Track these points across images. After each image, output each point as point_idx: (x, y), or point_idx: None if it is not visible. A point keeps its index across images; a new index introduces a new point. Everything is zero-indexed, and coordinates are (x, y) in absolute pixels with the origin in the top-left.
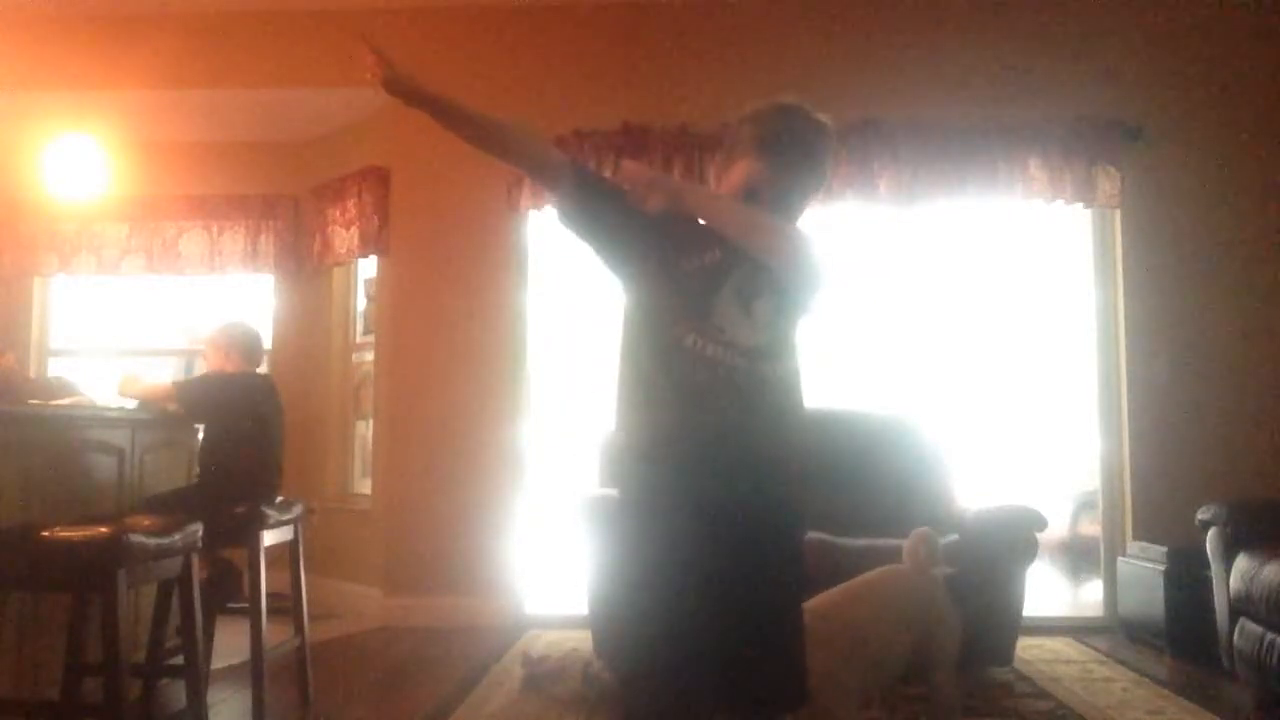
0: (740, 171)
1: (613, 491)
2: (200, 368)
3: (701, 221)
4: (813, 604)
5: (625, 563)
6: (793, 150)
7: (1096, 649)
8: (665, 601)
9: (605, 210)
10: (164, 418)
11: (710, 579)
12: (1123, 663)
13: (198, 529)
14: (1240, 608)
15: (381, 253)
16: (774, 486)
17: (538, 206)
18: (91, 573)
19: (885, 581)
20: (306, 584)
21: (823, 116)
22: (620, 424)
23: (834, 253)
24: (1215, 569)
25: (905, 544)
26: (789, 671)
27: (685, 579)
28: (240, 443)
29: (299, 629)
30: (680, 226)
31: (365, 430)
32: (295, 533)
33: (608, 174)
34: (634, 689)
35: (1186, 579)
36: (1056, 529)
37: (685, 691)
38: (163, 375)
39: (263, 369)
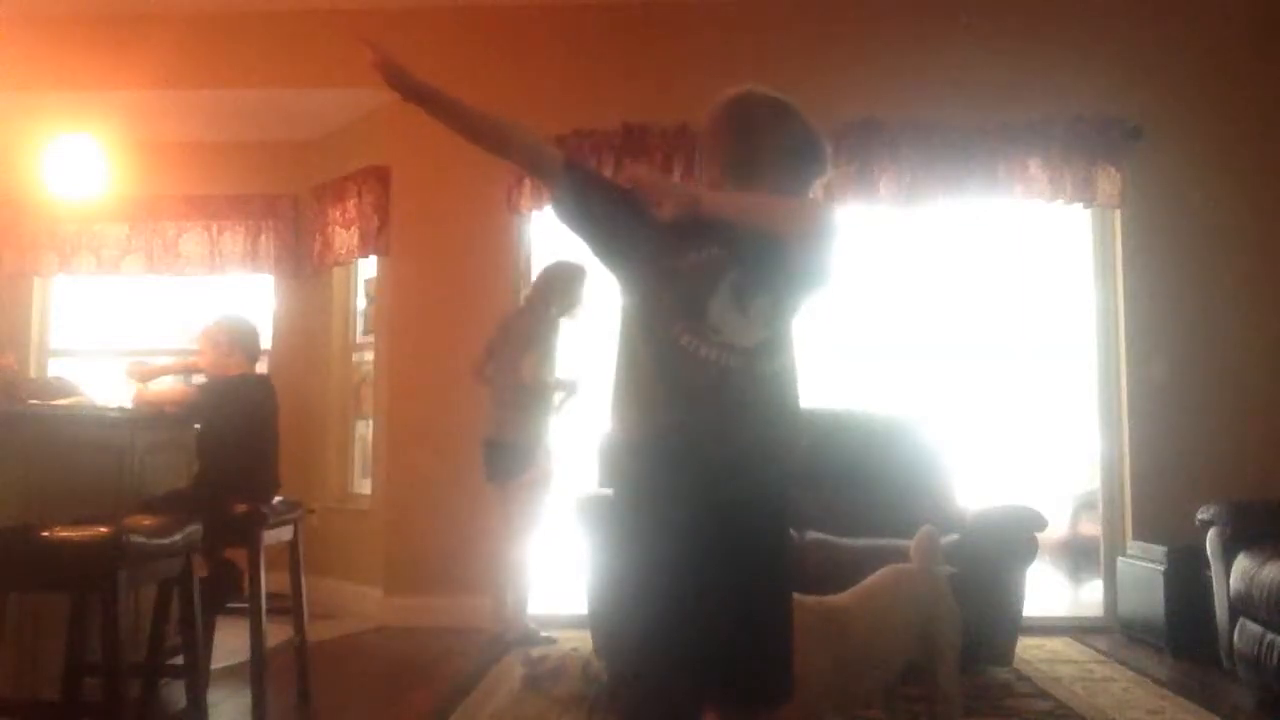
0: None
1: (611, 491)
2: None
3: (706, 219)
4: (816, 601)
5: (619, 560)
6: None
7: (1096, 649)
8: (658, 598)
9: (600, 207)
10: (164, 418)
11: (703, 576)
12: (1123, 663)
13: (198, 529)
14: (1240, 608)
15: (381, 253)
16: (767, 485)
17: (538, 207)
18: (91, 573)
19: (891, 580)
20: (306, 584)
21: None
22: (616, 422)
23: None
24: (1215, 569)
25: (912, 542)
26: (777, 667)
27: (678, 576)
28: (236, 443)
29: (299, 629)
30: (678, 224)
31: (365, 430)
32: (295, 533)
33: (608, 173)
34: (628, 685)
35: (1186, 579)
36: (1056, 529)
37: (678, 687)
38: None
39: (261, 366)
